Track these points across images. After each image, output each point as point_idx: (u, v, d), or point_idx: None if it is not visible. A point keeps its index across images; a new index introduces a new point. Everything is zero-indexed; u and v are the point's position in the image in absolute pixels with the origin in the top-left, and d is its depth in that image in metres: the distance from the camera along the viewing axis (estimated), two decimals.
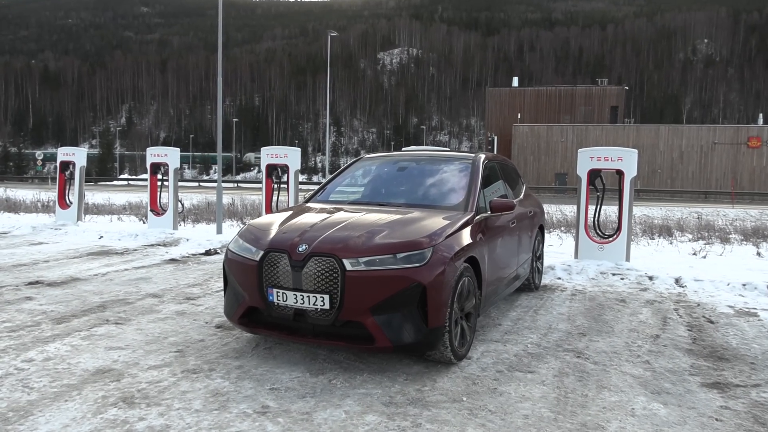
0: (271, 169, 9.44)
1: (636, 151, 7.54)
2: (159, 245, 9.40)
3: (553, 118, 52.34)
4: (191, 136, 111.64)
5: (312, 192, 5.34)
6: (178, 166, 10.20)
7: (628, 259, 7.58)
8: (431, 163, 5.27)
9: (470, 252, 4.10)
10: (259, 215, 13.18)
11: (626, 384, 3.77)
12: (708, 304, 6.02)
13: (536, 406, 3.40)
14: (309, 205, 4.90)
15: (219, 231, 10.16)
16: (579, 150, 7.75)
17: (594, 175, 7.62)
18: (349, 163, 5.58)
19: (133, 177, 62.18)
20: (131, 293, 6.01)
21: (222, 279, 6.67)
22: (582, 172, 7.68)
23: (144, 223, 11.98)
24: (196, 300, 5.77)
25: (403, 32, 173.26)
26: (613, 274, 7.20)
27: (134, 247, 9.19)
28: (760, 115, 55.72)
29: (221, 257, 8.39)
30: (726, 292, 6.54)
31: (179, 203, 10.53)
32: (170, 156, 10.22)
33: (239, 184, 53.43)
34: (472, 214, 4.48)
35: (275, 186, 9.57)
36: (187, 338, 4.53)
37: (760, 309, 5.85)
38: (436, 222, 4.12)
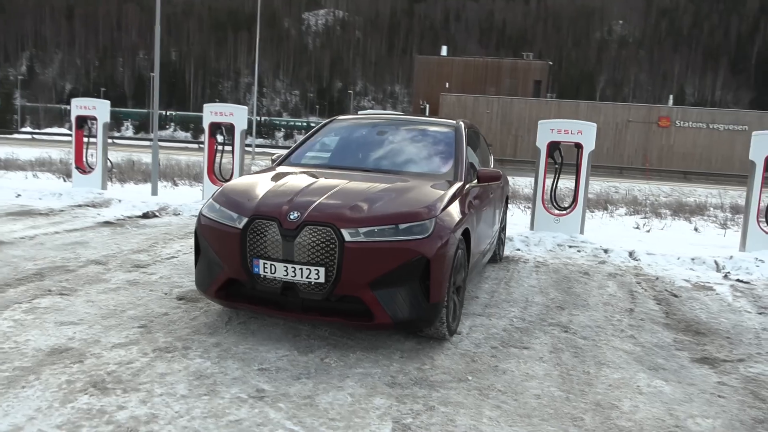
0: (215, 128, 8.80)
1: (595, 125, 7.58)
2: (88, 206, 8.60)
3: (480, 89, 52.99)
4: (102, 89, 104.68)
5: (283, 154, 4.93)
6: (108, 120, 9.33)
7: (582, 231, 7.68)
8: (411, 129, 4.99)
9: (465, 224, 3.89)
10: (195, 177, 12.45)
11: (622, 360, 3.73)
12: (665, 278, 6.16)
13: (543, 384, 3.28)
14: (284, 168, 4.50)
15: (154, 192, 9.44)
16: (539, 121, 7.70)
17: (553, 147, 7.61)
18: (321, 124, 5.19)
19: (38, 131, 57.57)
20: (69, 259, 5.40)
21: (189, 245, 6.17)
22: (541, 144, 7.65)
23: (65, 181, 10.98)
24: (146, 268, 5.26)
25: None
26: (570, 246, 7.26)
27: (60, 208, 8.35)
28: (671, 96, 59.00)
29: (162, 221, 7.79)
30: (677, 266, 6.74)
31: (108, 161, 9.67)
32: (99, 109, 9.31)
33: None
34: (461, 183, 4.26)
35: (218, 147, 8.95)
36: (148, 312, 4.08)
37: (714, 283, 6.05)
38: (432, 191, 3.86)
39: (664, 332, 4.37)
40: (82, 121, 9.44)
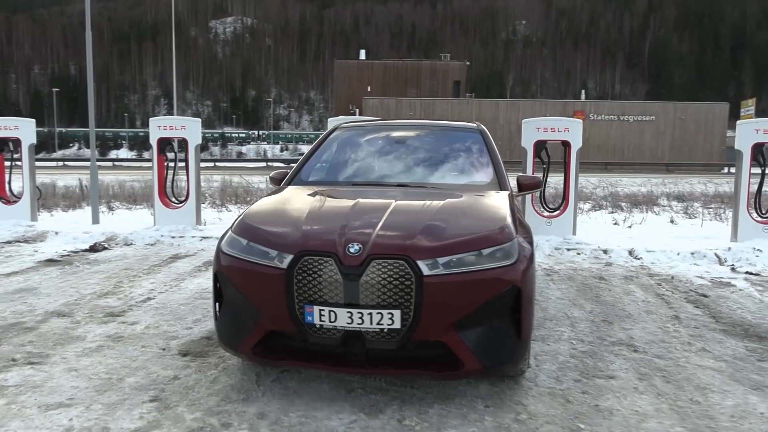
0: (164, 143, 7.85)
1: (581, 121, 7.31)
2: (19, 242, 7.42)
3: (401, 92, 53.13)
4: None
5: (286, 171, 4.22)
6: (34, 141, 8.14)
7: (574, 232, 7.38)
8: (431, 134, 4.42)
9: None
10: (130, 199, 11.28)
11: (718, 380, 3.32)
12: (679, 276, 5.92)
13: (664, 424, 2.80)
14: (301, 189, 3.80)
15: (95, 220, 8.33)
16: (524, 121, 7.34)
17: (540, 146, 7.26)
18: (324, 134, 4.51)
19: None
20: (23, 313, 4.43)
21: (161, 282, 5.27)
22: (527, 143, 7.29)
23: None
24: (123, 316, 4.38)
25: (236, 0, 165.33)
26: (568, 249, 6.93)
27: None
28: (582, 91, 61.61)
29: (115, 254, 6.79)
30: (681, 262, 6.55)
31: (37, 189, 8.46)
32: (23, 129, 8.10)
33: (65, 163, 47.37)
34: (508, 193, 3.74)
35: (168, 164, 8.00)
36: (152, 377, 3.28)
37: (728, 278, 5.87)
38: (495, 206, 3.31)
39: (729, 340, 4.03)
40: (2, 144, 8.19)
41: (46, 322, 4.21)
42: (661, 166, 43.12)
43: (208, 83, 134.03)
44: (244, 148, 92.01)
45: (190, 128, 7.75)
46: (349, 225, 2.91)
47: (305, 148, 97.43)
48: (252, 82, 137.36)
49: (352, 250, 2.76)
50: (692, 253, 6.68)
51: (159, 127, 7.74)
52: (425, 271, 2.72)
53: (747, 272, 6.06)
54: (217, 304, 3.12)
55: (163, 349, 3.70)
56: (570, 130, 7.20)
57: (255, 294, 2.90)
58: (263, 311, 2.87)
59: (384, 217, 2.98)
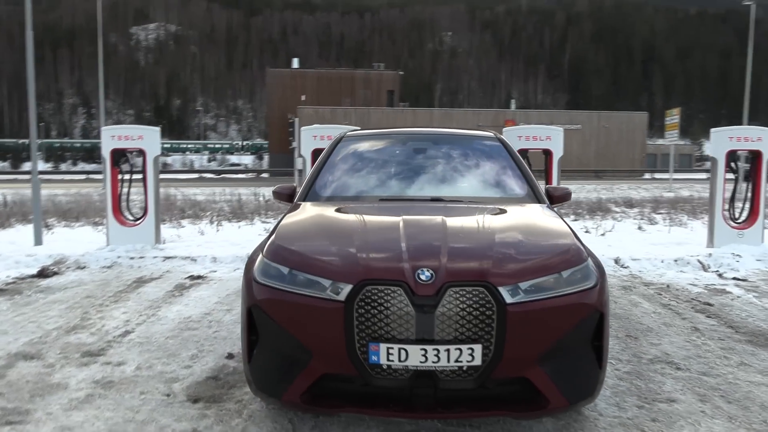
0: (119, 155, 7.15)
1: (562, 129, 7.21)
2: None
3: (335, 101, 52.72)
4: None
5: (294, 187, 3.79)
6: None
7: None
8: (448, 143, 4.10)
9: None
10: (68, 215, 10.38)
11: None
12: (674, 285, 5.87)
13: None
14: (325, 205, 3.38)
15: (38, 241, 7.48)
16: (504, 129, 7.17)
17: (522, 155, 7.10)
18: (332, 144, 4.10)
19: None
20: None
21: (135, 310, 4.66)
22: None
23: None
24: (104, 356, 3.80)
25: (158, 6, 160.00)
26: None
27: None
28: (512, 101, 63.29)
29: (69, 279, 6.06)
30: (667, 269, 6.53)
31: None
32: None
33: None
34: (546, 205, 3.49)
35: (122, 177, 7.30)
36: None
37: (720, 284, 5.88)
38: (551, 222, 3.05)
39: (761, 352, 3.92)
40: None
41: (13, 368, 3.57)
42: (590, 173, 44.79)
43: (130, 92, 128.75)
44: (169, 159, 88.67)
45: (148, 138, 7.09)
46: (411, 248, 2.54)
47: (234, 159, 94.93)
48: (177, 90, 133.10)
49: (423, 277, 2.39)
50: (675, 261, 6.69)
51: (113, 137, 7.03)
52: (507, 298, 2.39)
53: (734, 278, 6.09)
54: (251, 343, 2.66)
55: (168, 395, 3.18)
56: (552, 138, 7.09)
57: (305, 332, 2.48)
58: (315, 352, 2.46)
59: (446, 239, 2.63)
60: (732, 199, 7.18)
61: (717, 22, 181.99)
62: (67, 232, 9.02)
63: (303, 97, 50.00)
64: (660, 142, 77.93)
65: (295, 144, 27.98)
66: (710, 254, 6.75)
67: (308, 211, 3.24)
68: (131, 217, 7.35)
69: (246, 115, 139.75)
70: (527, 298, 2.43)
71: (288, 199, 3.78)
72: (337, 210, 3.14)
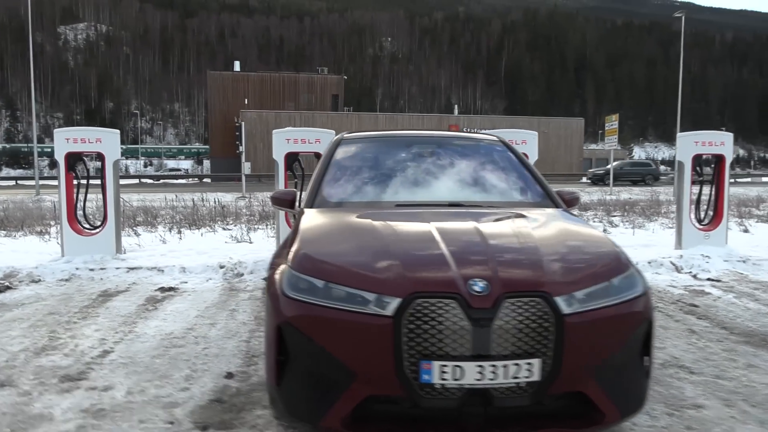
0: (74, 160, 6.64)
1: (536, 133, 7.22)
2: None
3: (278, 105, 52.04)
4: None
5: (297, 194, 3.55)
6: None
7: None
8: (452, 146, 3.96)
9: None
10: (14, 224, 9.65)
11: None
12: (654, 287, 5.93)
13: None
14: (339, 212, 3.16)
15: None
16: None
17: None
18: (330, 148, 3.87)
19: None
20: None
21: (109, 327, 4.26)
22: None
23: None
24: (87, 380, 3.43)
25: (87, 5, 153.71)
26: None
27: None
28: (455, 105, 64.22)
29: (24, 294, 5.56)
30: (643, 270, 6.58)
31: None
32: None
33: None
34: (563, 209, 3.40)
35: (77, 183, 6.80)
36: None
37: (696, 286, 5.99)
38: (584, 228, 2.97)
39: (762, 353, 3.97)
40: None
41: None
42: None
43: (59, 94, 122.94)
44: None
45: (107, 141, 6.61)
46: (457, 258, 2.38)
47: (172, 163, 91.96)
48: (109, 92, 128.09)
49: (477, 288, 2.23)
50: (649, 262, 6.79)
51: (67, 139, 6.52)
52: (564, 309, 2.26)
53: (708, 279, 6.24)
54: (279, 364, 2.42)
55: (171, 423, 2.88)
56: (527, 142, 7.09)
57: (346, 351, 2.26)
58: (359, 372, 2.25)
59: (488, 247, 2.48)
60: (698, 202, 7.38)
61: (643, 33, 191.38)
62: (10, 242, 8.36)
63: (246, 101, 49.04)
64: (593, 147, 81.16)
65: (242, 148, 27.36)
66: (681, 256, 6.90)
67: (326, 218, 3.02)
68: (89, 226, 6.85)
69: (183, 119, 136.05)
70: (583, 307, 2.31)
71: (289, 205, 3.54)
72: (359, 216, 2.94)
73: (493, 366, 2.19)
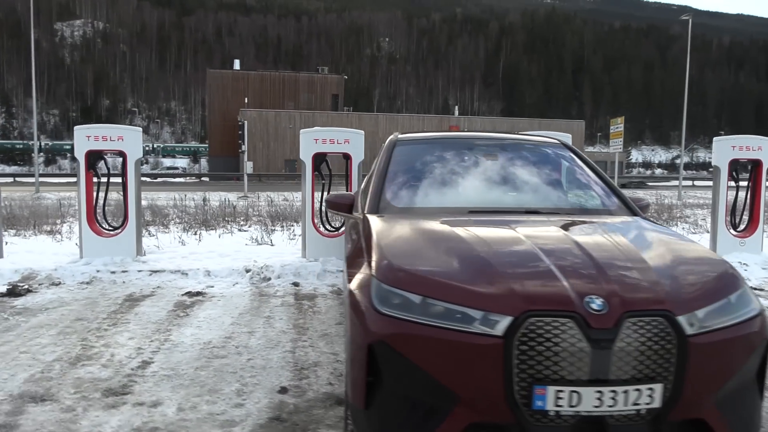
0: (95, 158, 6.41)
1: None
2: None
3: (278, 104, 51.77)
4: None
5: (369, 194, 3.26)
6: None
7: None
8: (514, 149, 3.75)
9: None
10: (22, 222, 9.41)
11: None
12: None
13: None
14: (410, 218, 2.94)
15: None
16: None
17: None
18: (386, 149, 3.65)
19: None
20: None
21: (143, 335, 4.05)
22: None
23: None
24: (132, 393, 3.22)
25: (85, 2, 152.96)
26: None
27: None
28: (456, 107, 64.06)
29: (46, 298, 5.33)
30: None
31: None
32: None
33: None
34: (642, 217, 3.21)
35: (97, 182, 6.57)
36: None
37: None
38: (682, 239, 2.77)
39: None
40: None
41: (24, 414, 2.95)
42: None
43: (54, 90, 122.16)
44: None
45: (129, 139, 6.39)
46: (567, 272, 2.17)
47: (168, 162, 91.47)
48: (105, 90, 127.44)
49: (594, 306, 2.03)
50: None
51: (88, 137, 6.29)
52: (687, 329, 2.06)
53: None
54: (368, 385, 2.21)
55: None
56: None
57: (450, 374, 2.05)
58: (464, 397, 2.04)
59: (593, 260, 2.28)
60: (734, 208, 7.20)
61: (639, 36, 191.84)
62: (22, 242, 8.11)
63: (246, 100, 48.76)
64: (589, 149, 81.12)
65: (245, 147, 27.12)
66: None
67: (401, 224, 2.80)
68: (109, 227, 6.62)
69: (180, 117, 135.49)
70: (705, 327, 2.11)
71: (348, 210, 3.33)
72: (440, 223, 2.73)
73: (613, 391, 1.99)
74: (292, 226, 9.94)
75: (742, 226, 7.27)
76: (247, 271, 6.15)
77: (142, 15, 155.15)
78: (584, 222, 2.89)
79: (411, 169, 3.46)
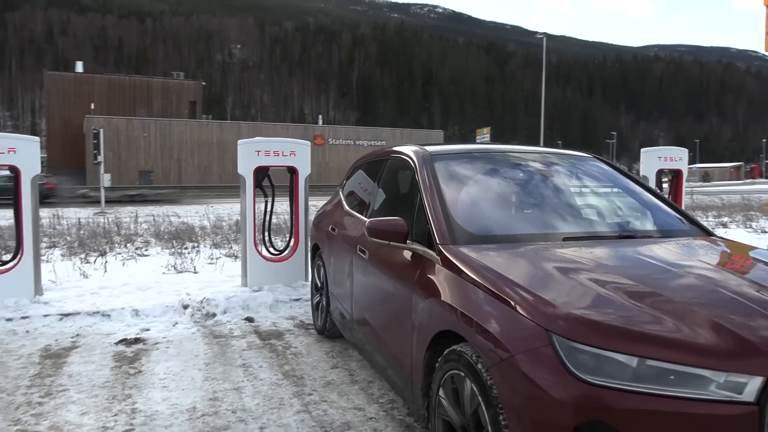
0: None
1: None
2: None
3: (129, 111, 47.81)
4: None
5: (434, 221, 2.63)
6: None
7: None
8: (564, 165, 3.34)
9: None
10: None
11: None
12: None
13: None
14: (522, 251, 2.41)
15: None
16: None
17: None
18: (423, 167, 3.02)
19: None
20: None
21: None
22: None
23: None
24: None
25: None
26: None
27: None
28: (320, 116, 63.59)
29: (37, 330, 4.03)
30: None
31: None
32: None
33: None
34: (719, 237, 2.99)
35: None
36: None
37: None
38: None
39: None
40: None
41: None
42: None
43: None
44: None
45: (22, 151, 5.14)
46: None
47: None
48: None
49: None
50: None
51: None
52: None
53: None
54: None
55: None
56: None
57: None
58: None
59: None
60: None
61: (481, 52, 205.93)
62: None
63: (92, 106, 44.44)
64: None
65: (101, 158, 24.46)
66: None
67: (517, 258, 2.30)
68: None
69: (5, 124, 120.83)
70: None
71: (402, 239, 2.72)
72: (579, 258, 2.26)
73: None
74: (197, 246, 8.88)
75: None
76: (185, 307, 5.21)
77: None
78: (696, 246, 2.60)
79: (466, 190, 2.95)
